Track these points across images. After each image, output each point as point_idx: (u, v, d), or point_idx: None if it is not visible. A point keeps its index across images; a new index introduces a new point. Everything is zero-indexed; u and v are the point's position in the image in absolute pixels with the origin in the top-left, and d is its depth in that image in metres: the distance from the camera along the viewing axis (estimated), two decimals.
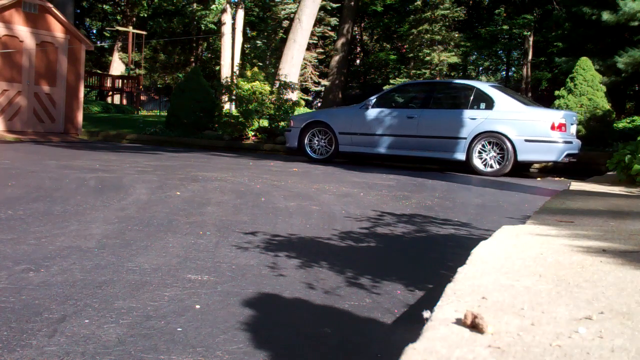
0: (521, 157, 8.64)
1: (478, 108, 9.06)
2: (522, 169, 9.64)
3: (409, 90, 10.66)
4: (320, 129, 10.07)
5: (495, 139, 8.75)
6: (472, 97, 9.29)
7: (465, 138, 8.92)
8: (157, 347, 1.75)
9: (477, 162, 8.87)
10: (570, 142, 8.77)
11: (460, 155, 8.98)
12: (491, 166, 8.79)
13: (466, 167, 9.12)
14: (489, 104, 8.98)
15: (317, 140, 10.11)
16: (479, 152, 8.87)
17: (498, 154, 8.76)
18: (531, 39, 27.39)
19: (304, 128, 10.13)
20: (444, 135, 9.12)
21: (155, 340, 1.79)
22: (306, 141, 10.12)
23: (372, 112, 9.77)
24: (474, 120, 8.91)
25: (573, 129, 9.09)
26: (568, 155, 8.72)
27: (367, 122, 9.74)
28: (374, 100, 9.85)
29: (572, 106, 10.44)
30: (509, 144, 8.64)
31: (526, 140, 8.61)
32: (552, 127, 8.53)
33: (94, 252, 2.85)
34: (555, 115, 8.65)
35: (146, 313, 2.03)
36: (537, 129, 8.65)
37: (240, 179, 6.32)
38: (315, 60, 28.22)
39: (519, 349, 0.93)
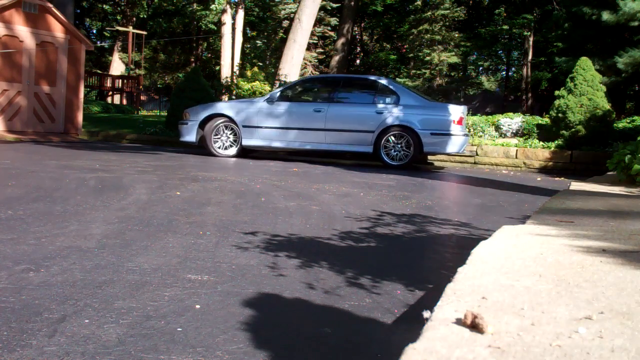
0: (427, 149, 9.09)
1: (384, 102, 9.30)
2: (423, 160, 10.23)
3: (315, 84, 10.48)
4: (223, 122, 9.69)
5: (403, 132, 9.05)
6: (377, 92, 9.48)
7: (373, 131, 9.11)
8: (157, 347, 1.75)
9: (384, 155, 9.14)
10: (467, 135, 9.54)
11: (368, 148, 9.17)
12: (400, 159, 9.11)
13: (374, 159, 9.43)
14: (395, 98, 9.26)
15: (220, 134, 9.71)
16: (386, 145, 9.14)
17: (405, 146, 9.09)
18: (531, 39, 27.41)
19: (204, 121, 9.73)
20: (353, 129, 9.23)
21: (155, 340, 1.79)
22: (211, 135, 9.67)
23: (278, 106, 9.58)
24: (380, 114, 9.14)
25: (465, 122, 9.83)
26: (465, 147, 9.52)
27: (274, 116, 9.53)
28: (278, 93, 9.68)
29: (572, 106, 10.45)
30: (415, 137, 9.00)
31: (432, 134, 9.01)
32: (454, 122, 9.10)
33: (94, 252, 2.85)
34: (458, 110, 9.18)
35: (146, 313, 2.03)
36: (442, 123, 9.10)
37: (240, 179, 6.32)
38: (315, 60, 28.23)
39: (519, 349, 0.93)
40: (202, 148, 10.13)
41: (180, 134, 10.07)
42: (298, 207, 4.56)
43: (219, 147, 9.76)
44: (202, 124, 9.77)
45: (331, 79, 10.52)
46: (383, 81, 9.63)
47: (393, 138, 9.10)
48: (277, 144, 9.58)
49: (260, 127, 9.57)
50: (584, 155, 10.12)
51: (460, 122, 9.13)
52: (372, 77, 10.02)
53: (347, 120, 9.27)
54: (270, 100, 9.63)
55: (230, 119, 9.67)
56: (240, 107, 9.79)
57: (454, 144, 9.12)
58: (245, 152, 10.14)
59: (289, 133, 9.53)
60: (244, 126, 9.61)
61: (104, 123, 16.51)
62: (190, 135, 9.86)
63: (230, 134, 9.75)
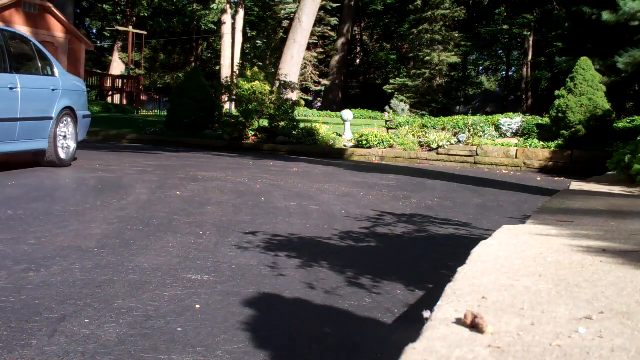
0: (80, 137, 7.04)
1: (48, 74, 6.59)
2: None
3: None
4: None
5: (69, 117, 6.73)
6: (38, 59, 6.55)
7: (52, 118, 6.36)
8: (157, 347, 1.75)
9: (59, 149, 6.54)
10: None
11: (44, 143, 6.30)
12: (65, 153, 6.70)
13: (43, 158, 6.44)
14: (52, 69, 6.68)
15: None
16: (59, 135, 6.59)
17: (70, 135, 6.80)
18: (531, 39, 27.42)
19: None
20: (34, 116, 6.13)
21: (155, 340, 1.79)
22: None
23: None
24: (55, 92, 6.45)
25: None
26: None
27: None
28: None
29: (572, 106, 10.44)
30: (75, 122, 6.87)
31: (84, 116, 7.15)
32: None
33: (94, 252, 2.84)
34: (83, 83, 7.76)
35: (146, 313, 2.03)
36: (85, 101, 7.31)
37: (240, 179, 6.32)
38: (315, 60, 28.23)
39: (519, 349, 0.93)
40: None
41: None
42: (298, 207, 4.55)
43: None
44: None
45: None
46: (34, 41, 6.80)
47: (63, 125, 6.63)
48: None
49: None
50: (584, 155, 10.11)
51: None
52: (22, 34, 6.94)
53: (31, 102, 6.09)
54: None
55: None
56: None
57: (87, 129, 7.41)
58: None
59: None
60: None
61: (104, 123, 16.50)
62: None
63: None
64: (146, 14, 35.38)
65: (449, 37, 24.88)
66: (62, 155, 6.62)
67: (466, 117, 12.71)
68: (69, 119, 6.75)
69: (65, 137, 6.71)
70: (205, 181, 5.97)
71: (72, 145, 6.84)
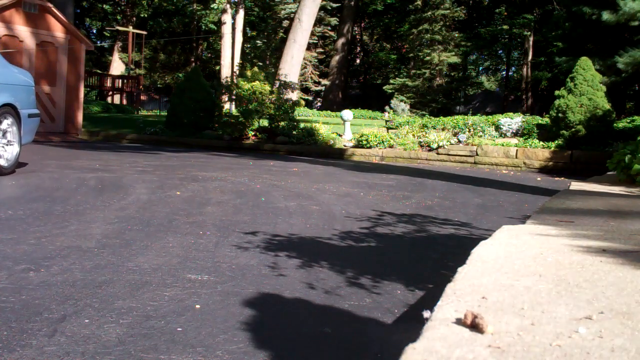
0: (25, 139, 6.08)
1: None
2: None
3: None
4: None
5: (9, 116, 5.77)
6: None
7: None
8: (157, 347, 1.75)
9: None
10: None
11: None
12: (6, 158, 5.69)
13: None
14: None
15: None
16: None
17: (9, 137, 5.79)
18: (531, 39, 27.42)
19: None
20: None
21: (155, 340, 1.79)
22: None
23: None
24: None
25: None
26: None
27: None
28: None
29: (572, 106, 10.44)
30: (19, 122, 5.90)
31: (29, 115, 6.15)
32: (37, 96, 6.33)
33: (94, 252, 2.84)
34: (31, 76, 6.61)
35: (146, 313, 2.03)
36: (33, 98, 6.31)
37: (240, 179, 6.32)
38: (315, 60, 28.23)
39: (519, 349, 0.93)
40: None
41: None
42: (298, 207, 4.56)
43: None
44: None
45: None
46: None
47: (0, 125, 5.67)
48: None
49: None
50: (584, 155, 10.11)
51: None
52: None
53: None
54: None
55: None
56: None
57: (36, 129, 6.42)
58: None
59: None
60: None
61: (104, 123, 16.51)
62: None
63: None
64: (146, 14, 35.37)
65: (449, 37, 24.89)
66: (1, 160, 5.58)
67: (466, 117, 12.71)
68: (10, 118, 5.76)
69: (4, 139, 5.71)
70: (205, 181, 5.97)
71: (15, 149, 5.79)
